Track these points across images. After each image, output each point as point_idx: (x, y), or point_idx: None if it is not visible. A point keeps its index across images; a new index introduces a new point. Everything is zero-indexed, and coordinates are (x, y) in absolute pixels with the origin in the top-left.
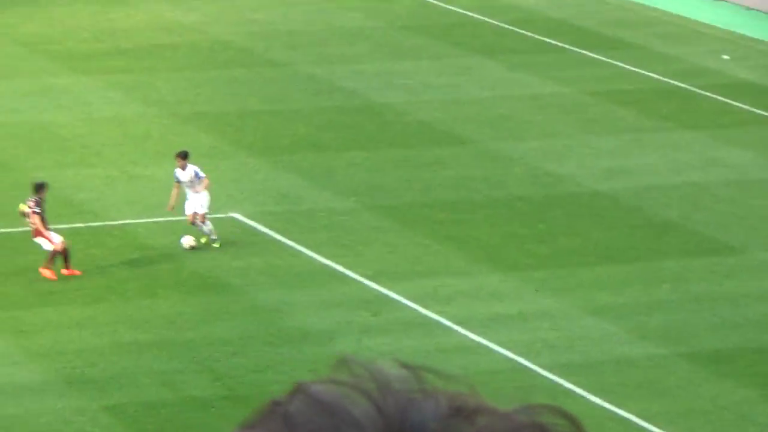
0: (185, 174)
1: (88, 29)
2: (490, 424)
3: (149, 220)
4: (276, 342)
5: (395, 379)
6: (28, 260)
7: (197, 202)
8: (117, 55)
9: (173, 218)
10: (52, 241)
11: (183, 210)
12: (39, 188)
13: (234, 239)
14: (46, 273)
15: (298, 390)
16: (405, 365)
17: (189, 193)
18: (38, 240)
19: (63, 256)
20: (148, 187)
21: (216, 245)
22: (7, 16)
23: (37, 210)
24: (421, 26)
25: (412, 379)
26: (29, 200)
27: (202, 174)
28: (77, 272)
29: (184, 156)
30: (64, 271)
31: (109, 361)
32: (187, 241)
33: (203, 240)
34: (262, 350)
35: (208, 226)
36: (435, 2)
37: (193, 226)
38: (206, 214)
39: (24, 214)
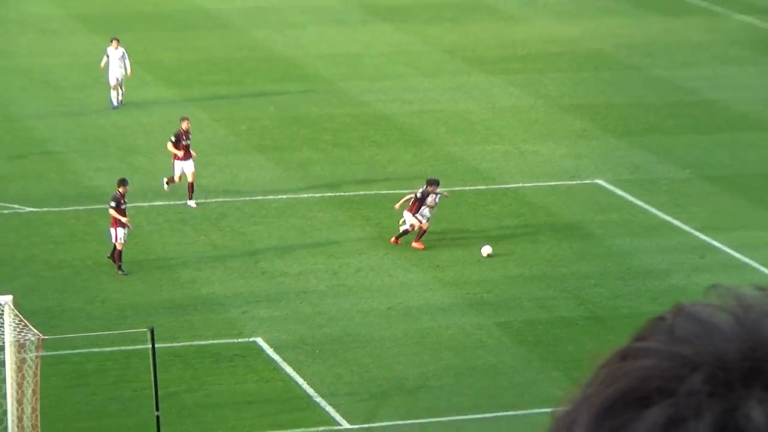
0: None
1: (494, 40)
2: None
3: (535, 184)
4: (626, 277)
5: (753, 298)
6: (444, 213)
7: None
8: (515, 60)
9: (558, 182)
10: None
11: (557, 176)
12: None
13: (597, 199)
14: (417, 245)
15: (678, 309)
16: (761, 288)
17: None
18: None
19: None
20: (535, 160)
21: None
22: (434, 28)
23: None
24: (750, 41)
25: (765, 298)
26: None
27: None
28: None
29: None
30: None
31: (500, 289)
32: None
33: None
34: (616, 283)
35: None
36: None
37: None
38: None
39: None
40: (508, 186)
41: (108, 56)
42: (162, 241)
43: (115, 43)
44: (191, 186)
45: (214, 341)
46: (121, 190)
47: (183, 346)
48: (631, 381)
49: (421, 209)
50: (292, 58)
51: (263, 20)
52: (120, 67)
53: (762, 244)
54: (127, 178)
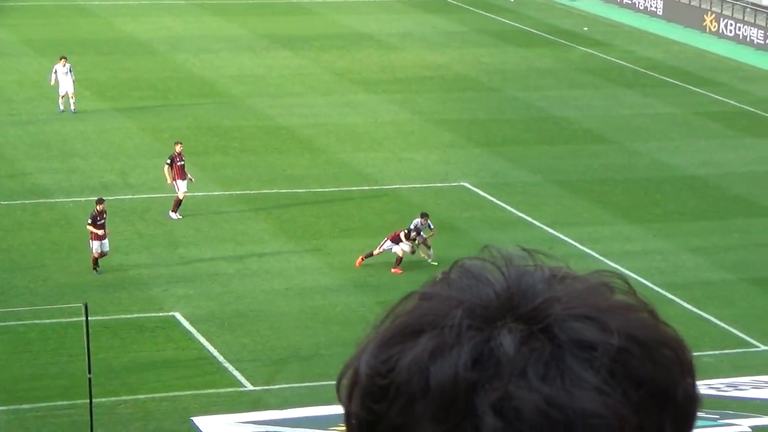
0: None
1: (377, 65)
2: (574, 282)
3: (411, 186)
4: None
5: (517, 257)
6: (334, 209)
7: None
8: (394, 82)
9: (431, 185)
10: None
11: (430, 180)
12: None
13: (463, 199)
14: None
15: (456, 263)
16: (525, 249)
17: None
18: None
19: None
20: (411, 165)
21: None
22: (327, 55)
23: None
24: (591, 69)
25: (528, 258)
26: None
27: None
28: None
29: None
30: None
31: (381, 273)
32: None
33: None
34: None
35: None
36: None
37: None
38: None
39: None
40: (388, 187)
41: (56, 72)
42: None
43: (63, 60)
44: (178, 201)
45: (139, 315)
46: (98, 207)
47: (112, 319)
48: (410, 318)
49: (403, 240)
50: (207, 78)
51: (183, 47)
52: (68, 79)
53: (601, 237)
54: (67, 177)
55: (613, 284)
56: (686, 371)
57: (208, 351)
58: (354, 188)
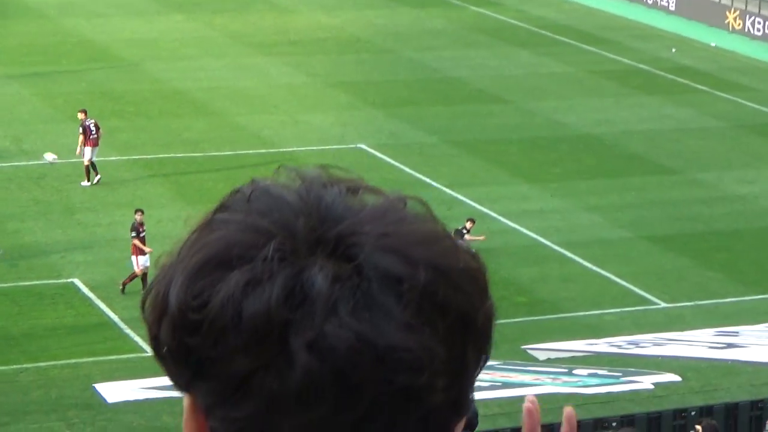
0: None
1: (271, 28)
2: (369, 199)
3: (308, 148)
4: None
5: (314, 174)
6: (231, 173)
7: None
8: (288, 44)
9: (328, 147)
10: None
11: (327, 142)
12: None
13: (361, 161)
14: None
15: (253, 182)
16: (322, 166)
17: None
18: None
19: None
20: (307, 128)
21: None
22: (220, 18)
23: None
24: (484, 28)
25: (325, 174)
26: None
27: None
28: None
29: None
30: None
31: None
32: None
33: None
34: None
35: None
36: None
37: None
38: None
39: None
40: (285, 150)
41: None
42: None
43: None
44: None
45: (37, 282)
46: (138, 217)
47: (10, 286)
48: (217, 248)
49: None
50: (100, 43)
51: (74, 11)
52: None
53: (498, 197)
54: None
55: (409, 202)
56: (485, 295)
57: (109, 317)
58: (251, 152)
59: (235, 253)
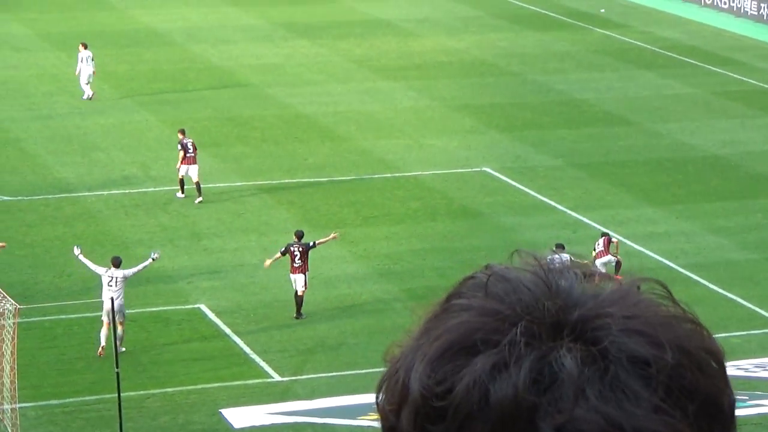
0: None
1: (395, 52)
2: (605, 284)
3: (432, 172)
4: (511, 249)
5: (549, 259)
6: (356, 197)
7: None
8: (413, 68)
9: (452, 170)
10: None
11: (451, 165)
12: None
13: (485, 184)
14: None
15: (489, 269)
16: (554, 249)
17: None
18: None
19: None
20: (431, 151)
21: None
22: (344, 43)
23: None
24: (609, 51)
25: (560, 260)
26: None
27: None
28: None
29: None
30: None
31: (405, 261)
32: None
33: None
34: (503, 254)
35: None
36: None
37: None
38: None
39: None
40: (409, 174)
41: (81, 60)
42: (119, 224)
43: (81, 46)
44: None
45: (164, 308)
46: (295, 239)
47: (138, 312)
48: (458, 333)
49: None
50: (226, 69)
51: (201, 37)
52: (89, 66)
53: (624, 220)
54: (89, 171)
55: (652, 291)
56: (727, 379)
57: (235, 343)
58: (376, 176)
59: (479, 338)
